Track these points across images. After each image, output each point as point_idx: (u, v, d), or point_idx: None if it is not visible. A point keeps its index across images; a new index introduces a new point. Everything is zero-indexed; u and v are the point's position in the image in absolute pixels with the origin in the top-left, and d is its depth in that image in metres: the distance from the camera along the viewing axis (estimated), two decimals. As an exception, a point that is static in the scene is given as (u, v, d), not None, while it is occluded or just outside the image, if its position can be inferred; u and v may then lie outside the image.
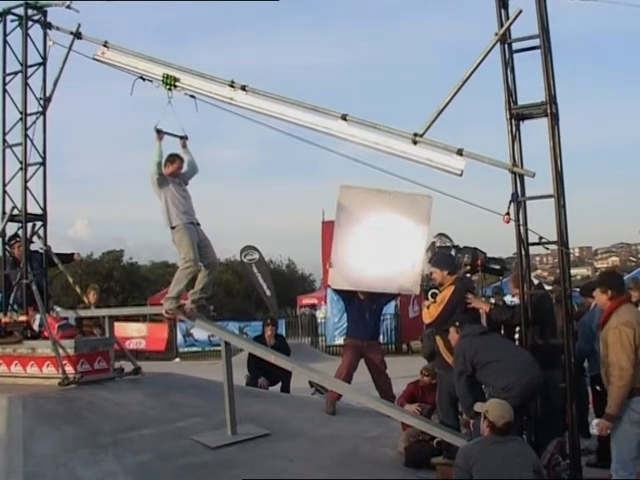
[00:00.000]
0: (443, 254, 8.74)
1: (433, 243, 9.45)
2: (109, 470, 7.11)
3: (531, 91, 7.87)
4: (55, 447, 7.31)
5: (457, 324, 7.96)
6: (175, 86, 9.31)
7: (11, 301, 9.91)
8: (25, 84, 10.13)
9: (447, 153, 7.74)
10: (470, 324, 7.94)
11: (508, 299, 11.73)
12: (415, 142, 7.88)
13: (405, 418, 8.47)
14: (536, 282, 9.32)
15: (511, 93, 7.83)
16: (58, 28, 10.28)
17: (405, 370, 9.28)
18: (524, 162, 7.83)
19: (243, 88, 8.94)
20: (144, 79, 9.59)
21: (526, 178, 7.75)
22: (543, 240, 7.77)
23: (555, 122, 7.62)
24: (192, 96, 9.34)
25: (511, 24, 7.73)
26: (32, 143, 10.12)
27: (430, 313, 8.24)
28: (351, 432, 9.32)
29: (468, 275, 8.67)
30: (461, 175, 7.66)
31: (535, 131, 7.85)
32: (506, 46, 7.86)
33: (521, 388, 7.09)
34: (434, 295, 8.29)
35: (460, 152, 7.64)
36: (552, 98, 7.59)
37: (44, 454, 7.13)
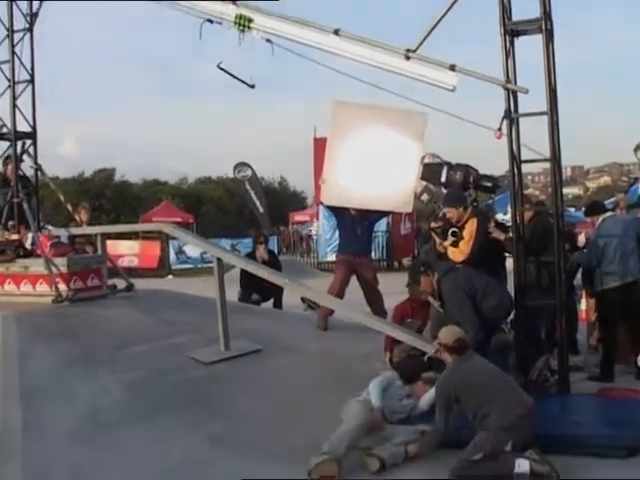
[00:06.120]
0: (452, 192, 8.60)
1: (422, 158, 9.35)
2: (104, 386, 7.23)
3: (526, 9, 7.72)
4: (50, 363, 7.43)
5: (422, 269, 8.16)
6: (249, 27, 8.54)
7: (3, 220, 9.87)
8: (10, -1, 9.84)
9: (440, 69, 7.66)
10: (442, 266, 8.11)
11: (500, 217, 11.76)
12: (408, 58, 7.77)
13: (396, 333, 8.53)
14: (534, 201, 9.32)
15: (505, 9, 7.68)
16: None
17: (396, 286, 9.33)
18: (518, 81, 7.72)
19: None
20: (212, 22, 8.67)
21: (520, 96, 7.67)
22: (537, 157, 7.79)
23: (550, 39, 7.51)
24: (268, 40, 8.55)
25: None
26: (20, 60, 9.91)
27: (462, 251, 8.10)
28: (343, 348, 9.44)
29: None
30: (454, 91, 7.61)
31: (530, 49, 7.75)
32: (500, -40, 7.67)
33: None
34: (455, 234, 8.22)
35: (452, 68, 7.57)
36: (547, 14, 7.46)
37: (40, 370, 7.25)
